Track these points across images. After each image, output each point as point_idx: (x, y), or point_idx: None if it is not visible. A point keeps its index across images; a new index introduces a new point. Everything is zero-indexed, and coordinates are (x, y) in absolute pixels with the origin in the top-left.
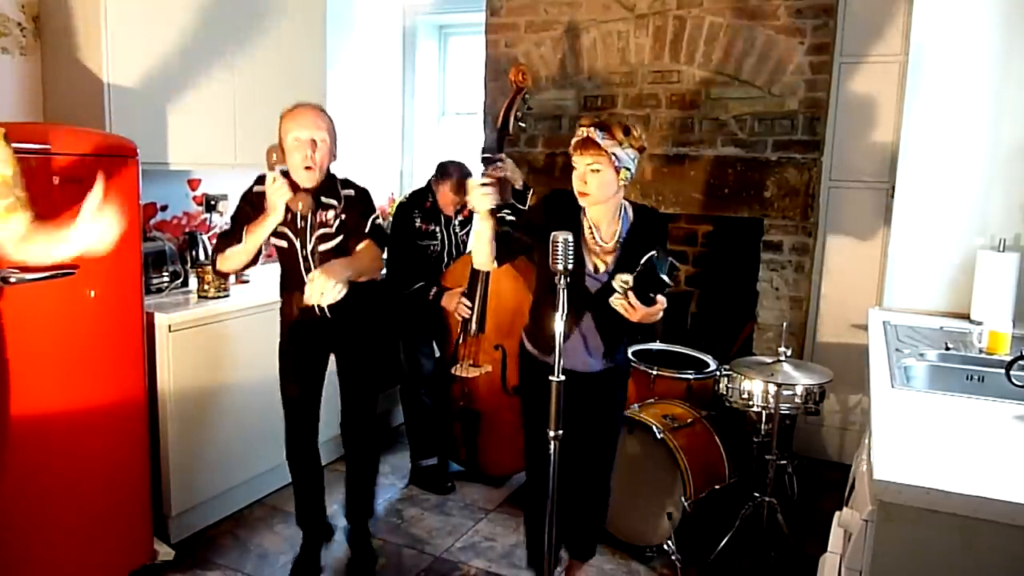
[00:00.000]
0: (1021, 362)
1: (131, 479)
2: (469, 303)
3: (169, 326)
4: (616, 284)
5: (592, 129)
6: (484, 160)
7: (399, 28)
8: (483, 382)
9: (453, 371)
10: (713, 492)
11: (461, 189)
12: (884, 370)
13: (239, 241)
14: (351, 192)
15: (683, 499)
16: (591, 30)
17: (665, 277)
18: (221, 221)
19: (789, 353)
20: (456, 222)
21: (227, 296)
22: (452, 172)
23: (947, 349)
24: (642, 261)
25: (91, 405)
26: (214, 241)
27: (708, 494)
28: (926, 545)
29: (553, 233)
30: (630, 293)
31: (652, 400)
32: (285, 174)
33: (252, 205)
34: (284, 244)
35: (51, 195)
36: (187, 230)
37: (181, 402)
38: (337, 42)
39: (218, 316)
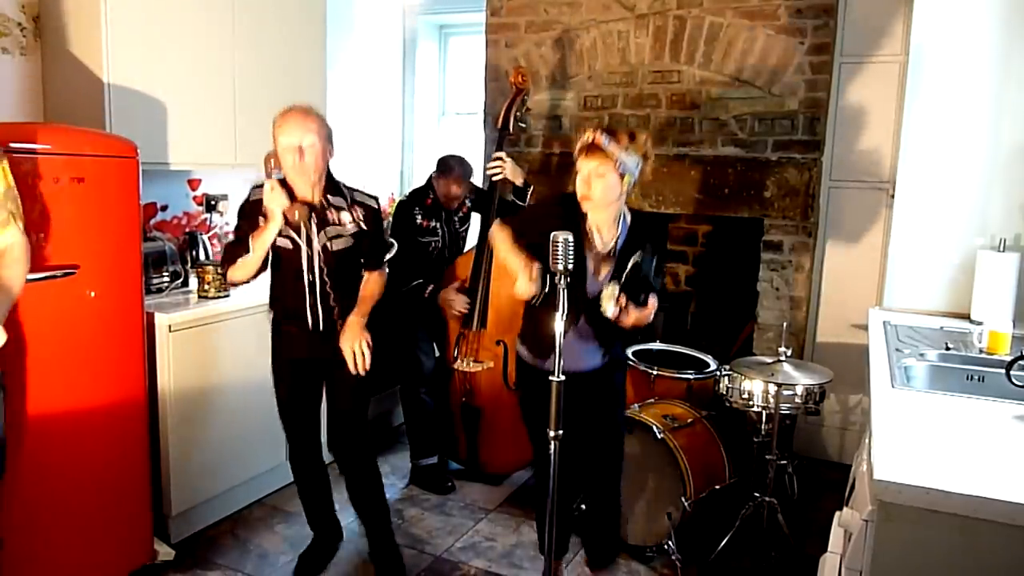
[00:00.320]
0: (1021, 362)
1: (131, 479)
2: (466, 299)
3: (169, 326)
4: (604, 293)
5: (599, 134)
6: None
7: (399, 28)
8: (484, 378)
9: (455, 366)
10: (713, 492)
11: (463, 182)
12: (884, 370)
13: (247, 251)
14: (371, 205)
15: (683, 499)
16: (591, 30)
17: (651, 275)
18: (221, 221)
19: (789, 353)
20: (456, 218)
21: (227, 296)
22: (453, 165)
23: (947, 349)
24: (630, 263)
25: (91, 405)
26: (220, 252)
27: (708, 494)
28: (926, 545)
29: (553, 233)
30: (622, 296)
31: (652, 400)
32: (283, 182)
33: (250, 215)
34: (288, 244)
35: (51, 195)
36: (187, 230)
37: (181, 402)
38: (337, 42)
39: (218, 316)
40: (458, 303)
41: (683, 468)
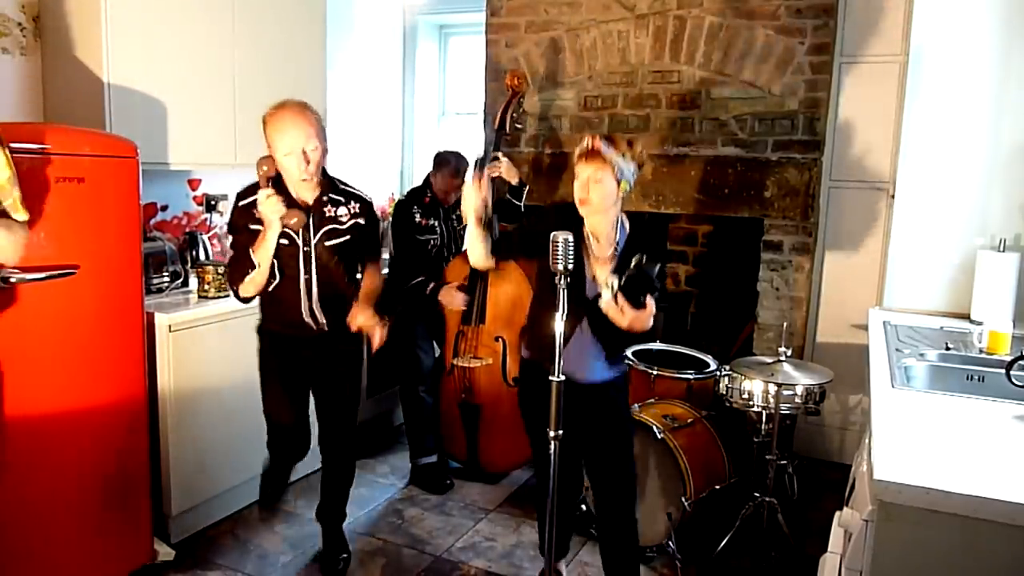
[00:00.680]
0: (1021, 362)
1: (131, 479)
2: (466, 296)
3: (169, 326)
4: (603, 283)
5: (598, 140)
6: (479, 162)
7: (399, 28)
8: (483, 374)
9: (454, 362)
10: (713, 492)
11: (459, 176)
12: (884, 370)
13: (252, 265)
14: (367, 199)
15: (683, 499)
16: (591, 30)
17: (653, 277)
18: (221, 221)
19: (789, 353)
20: (454, 216)
21: (227, 296)
22: (449, 159)
23: (947, 349)
24: (631, 264)
25: (91, 405)
26: (220, 252)
27: (708, 494)
28: (926, 545)
29: (553, 233)
30: (619, 295)
31: (652, 400)
32: (276, 180)
33: (243, 226)
34: (285, 241)
35: (51, 195)
36: (187, 230)
37: (181, 402)
38: (337, 42)
39: (218, 316)
40: (457, 300)
41: (683, 468)
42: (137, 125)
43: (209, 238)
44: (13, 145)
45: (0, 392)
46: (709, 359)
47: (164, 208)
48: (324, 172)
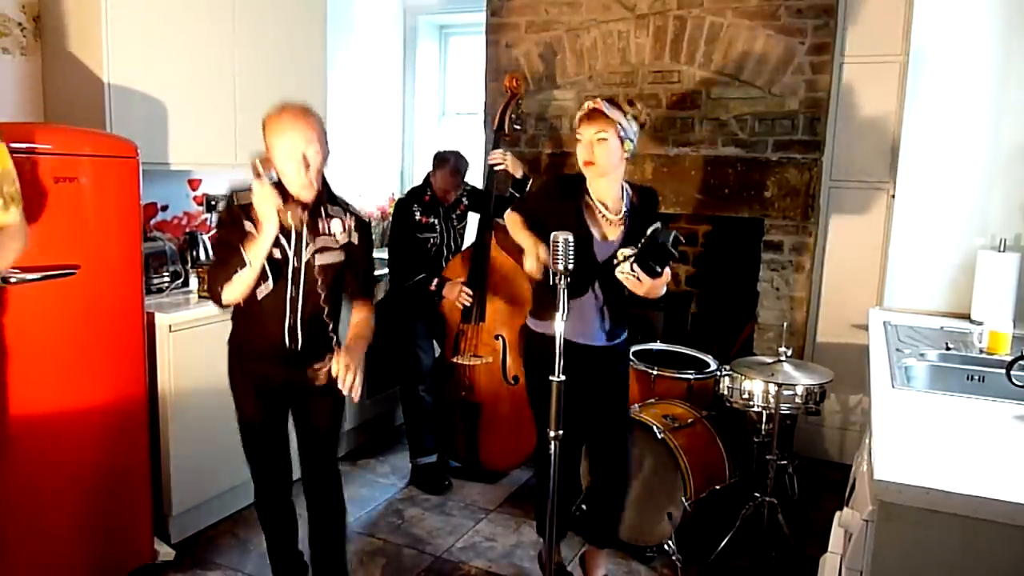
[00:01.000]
0: (1021, 362)
1: (131, 479)
2: (471, 292)
3: (170, 326)
4: (619, 255)
5: (599, 100)
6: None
7: (399, 28)
8: (483, 372)
9: (455, 359)
10: (713, 492)
11: (458, 175)
12: (884, 370)
13: (242, 263)
14: (363, 217)
15: (683, 499)
16: (591, 30)
17: (671, 247)
18: None
19: (789, 353)
20: (454, 215)
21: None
22: (448, 157)
23: (947, 349)
24: (647, 232)
25: (91, 405)
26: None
27: (708, 494)
28: (926, 545)
29: (553, 233)
30: (635, 265)
31: (653, 400)
32: (277, 184)
33: (235, 224)
34: (277, 253)
35: (51, 195)
36: (187, 230)
37: (181, 402)
38: (337, 42)
39: (219, 316)
40: (463, 295)
41: (683, 468)
42: (137, 125)
43: (209, 238)
44: (13, 145)
45: (0, 392)
46: (709, 359)
47: (164, 208)
48: (324, 181)
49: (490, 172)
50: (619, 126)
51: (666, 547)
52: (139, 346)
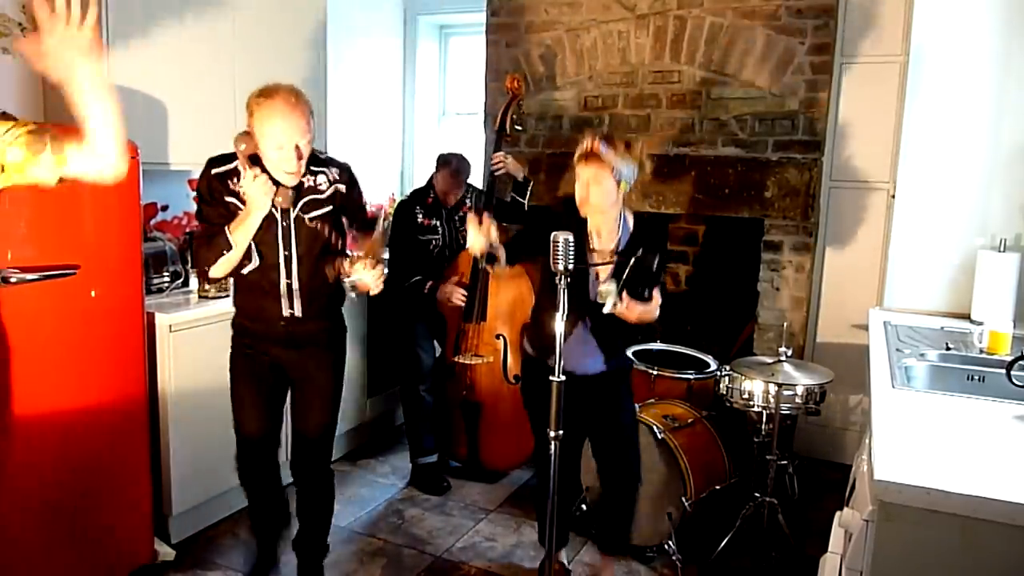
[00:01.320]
0: (1022, 362)
1: (131, 479)
2: (463, 292)
3: (170, 326)
4: (601, 290)
5: (597, 142)
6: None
7: (399, 28)
8: (484, 372)
9: (456, 359)
10: (714, 492)
11: (458, 177)
12: (885, 370)
13: (228, 245)
14: (345, 164)
15: (684, 499)
16: (591, 30)
17: (653, 269)
18: None
19: (789, 353)
20: (457, 218)
21: (228, 296)
22: (451, 160)
23: (948, 349)
24: (632, 259)
25: (91, 405)
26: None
27: (709, 494)
28: (926, 545)
29: (554, 233)
30: (624, 294)
31: (653, 400)
32: (256, 160)
33: (216, 196)
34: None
35: (51, 195)
36: (188, 230)
37: (181, 402)
38: (337, 42)
39: (219, 316)
40: (455, 295)
41: (683, 468)
42: (137, 125)
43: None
44: None
45: (1, 392)
46: (709, 359)
47: (164, 208)
48: None
49: (491, 175)
50: (615, 169)
51: (666, 547)
52: (139, 346)
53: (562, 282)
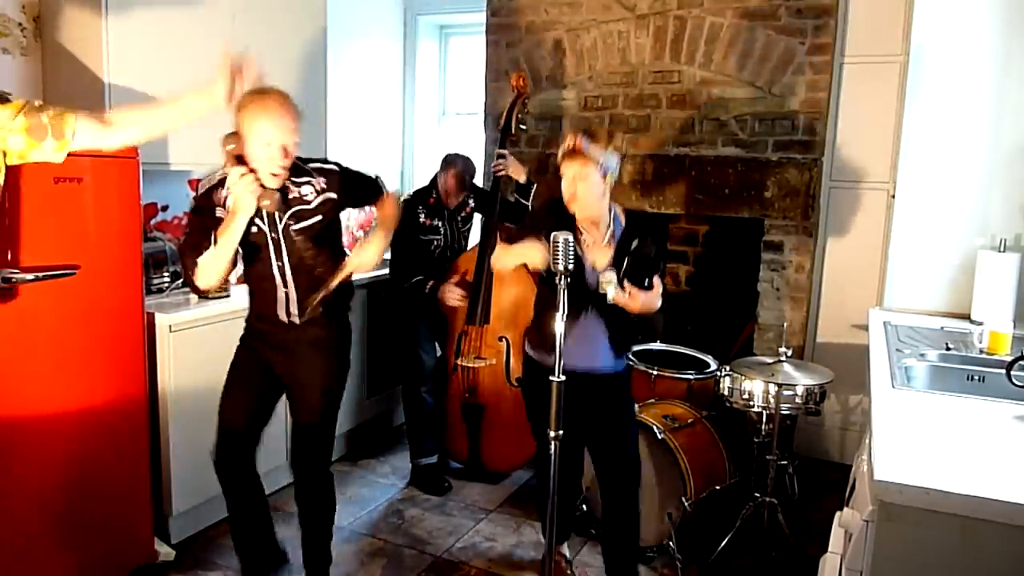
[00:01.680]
0: (1022, 362)
1: (131, 479)
2: (462, 292)
3: (170, 326)
4: (602, 280)
5: (579, 139)
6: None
7: (399, 28)
8: (487, 374)
9: (458, 362)
10: (714, 492)
11: (461, 177)
12: (885, 370)
13: (209, 244)
14: (332, 168)
15: (684, 499)
16: (591, 30)
17: (652, 256)
18: None
19: (789, 353)
20: (459, 218)
21: (227, 296)
22: (455, 160)
23: (948, 349)
24: (631, 247)
25: (92, 405)
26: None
27: (709, 494)
28: (926, 545)
29: (553, 233)
30: (625, 282)
31: (653, 400)
32: (241, 160)
33: (208, 210)
34: (254, 229)
35: (51, 195)
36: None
37: (181, 402)
38: (337, 42)
39: (219, 316)
40: (454, 295)
41: (683, 468)
42: None
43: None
44: None
45: (1, 391)
46: (709, 359)
47: (164, 208)
48: None
49: (494, 177)
50: (599, 163)
51: (666, 547)
52: (139, 346)
53: (562, 282)
